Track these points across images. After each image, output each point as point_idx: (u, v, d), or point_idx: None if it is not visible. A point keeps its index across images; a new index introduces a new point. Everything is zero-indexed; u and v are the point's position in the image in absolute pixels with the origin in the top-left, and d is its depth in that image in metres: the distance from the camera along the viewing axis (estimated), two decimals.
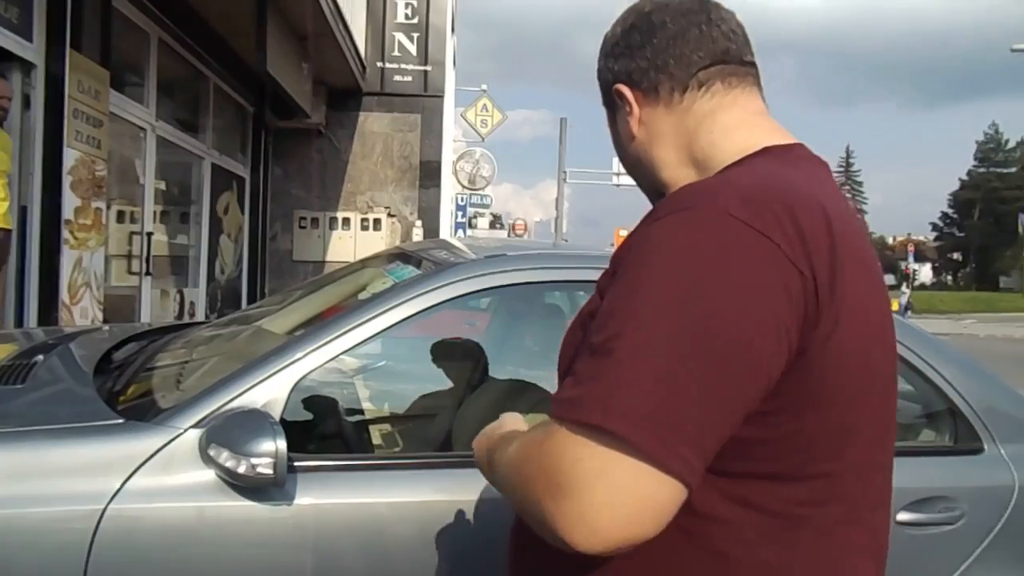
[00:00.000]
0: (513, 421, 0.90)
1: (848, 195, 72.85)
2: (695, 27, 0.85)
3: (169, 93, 5.97)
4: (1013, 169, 52.11)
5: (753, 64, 0.89)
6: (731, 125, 0.84)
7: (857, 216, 0.83)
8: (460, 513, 1.53)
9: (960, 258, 62.82)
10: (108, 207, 5.08)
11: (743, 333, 0.65)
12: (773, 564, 0.71)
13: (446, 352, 2.45)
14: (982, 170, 56.81)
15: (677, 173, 0.86)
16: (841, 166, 74.47)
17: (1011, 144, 55.07)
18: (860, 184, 73.62)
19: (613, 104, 0.91)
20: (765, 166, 0.78)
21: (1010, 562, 1.69)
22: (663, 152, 0.87)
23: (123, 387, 1.80)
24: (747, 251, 0.66)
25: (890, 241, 72.86)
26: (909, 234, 69.60)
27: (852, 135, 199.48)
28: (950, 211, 60.26)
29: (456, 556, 1.52)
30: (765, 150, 0.81)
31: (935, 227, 66.70)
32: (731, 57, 0.86)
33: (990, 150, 56.82)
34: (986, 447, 1.73)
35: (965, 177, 58.80)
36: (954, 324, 23.31)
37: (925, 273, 60.49)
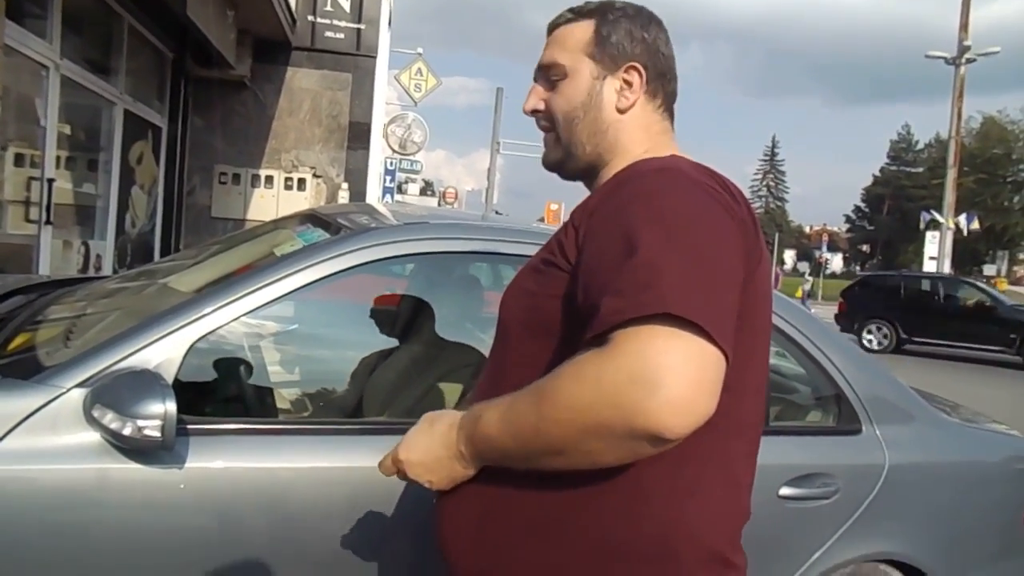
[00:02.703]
0: (448, 413, 0.96)
1: (772, 183, 75.47)
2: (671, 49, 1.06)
3: (77, 30, 5.55)
4: (921, 169, 55.12)
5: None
6: (659, 140, 1.05)
7: None
8: (361, 480, 1.52)
9: (868, 250, 66.29)
10: (4, 149, 4.73)
11: (732, 252, 0.85)
12: (673, 460, 0.83)
13: (385, 312, 2.42)
14: (893, 168, 59.90)
15: (622, 159, 1.01)
16: (767, 155, 77.00)
17: (920, 145, 58.26)
18: (783, 173, 76.39)
19: (605, 65, 1.02)
20: (688, 160, 0.99)
21: (875, 534, 1.82)
22: (629, 138, 1.03)
23: (3, 341, 1.69)
24: (718, 205, 0.87)
25: (807, 230, 76.11)
26: (824, 224, 72.93)
27: (779, 126, 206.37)
28: (862, 205, 63.36)
29: (359, 521, 1.51)
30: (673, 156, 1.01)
31: (848, 219, 70.05)
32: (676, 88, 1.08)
33: (902, 150, 59.94)
34: (864, 428, 1.85)
35: (878, 174, 61.88)
36: None
37: (836, 263, 63.49)
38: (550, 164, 1.08)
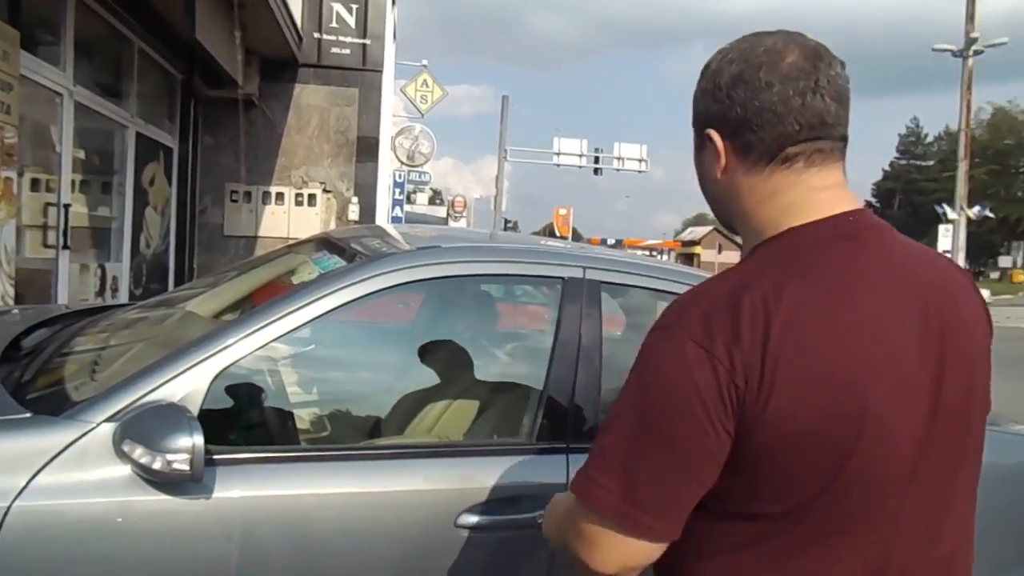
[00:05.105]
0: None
1: None
2: (799, 96, 0.87)
3: (88, 56, 5.65)
4: (931, 162, 54.74)
5: (844, 138, 0.91)
6: (787, 206, 0.89)
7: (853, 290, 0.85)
8: (380, 504, 1.54)
9: None
10: (21, 175, 4.81)
11: (676, 427, 0.82)
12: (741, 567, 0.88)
13: (432, 351, 2.44)
14: (903, 162, 59.47)
15: (747, 225, 0.93)
16: None
17: (930, 138, 57.83)
18: None
19: (700, 139, 0.94)
20: (753, 264, 0.89)
21: None
22: (739, 204, 0.93)
23: (32, 377, 1.73)
24: (683, 359, 0.82)
25: None
26: None
27: None
28: (873, 200, 62.91)
29: (377, 548, 1.54)
30: (790, 230, 0.89)
31: None
32: (825, 133, 0.89)
33: (911, 143, 59.51)
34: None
35: (887, 168, 61.50)
36: None
37: None
38: None
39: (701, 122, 0.93)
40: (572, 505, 0.91)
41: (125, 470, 1.37)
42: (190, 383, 1.47)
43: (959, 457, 0.89)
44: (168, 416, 1.35)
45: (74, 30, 5.26)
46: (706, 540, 0.88)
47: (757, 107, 0.87)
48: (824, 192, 0.89)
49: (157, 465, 1.30)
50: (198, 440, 1.31)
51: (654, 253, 31.60)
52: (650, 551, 0.86)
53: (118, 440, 1.35)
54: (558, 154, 23.43)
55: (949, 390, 0.85)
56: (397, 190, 16.55)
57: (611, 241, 32.59)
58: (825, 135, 0.88)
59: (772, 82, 0.87)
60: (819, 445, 0.80)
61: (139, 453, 1.31)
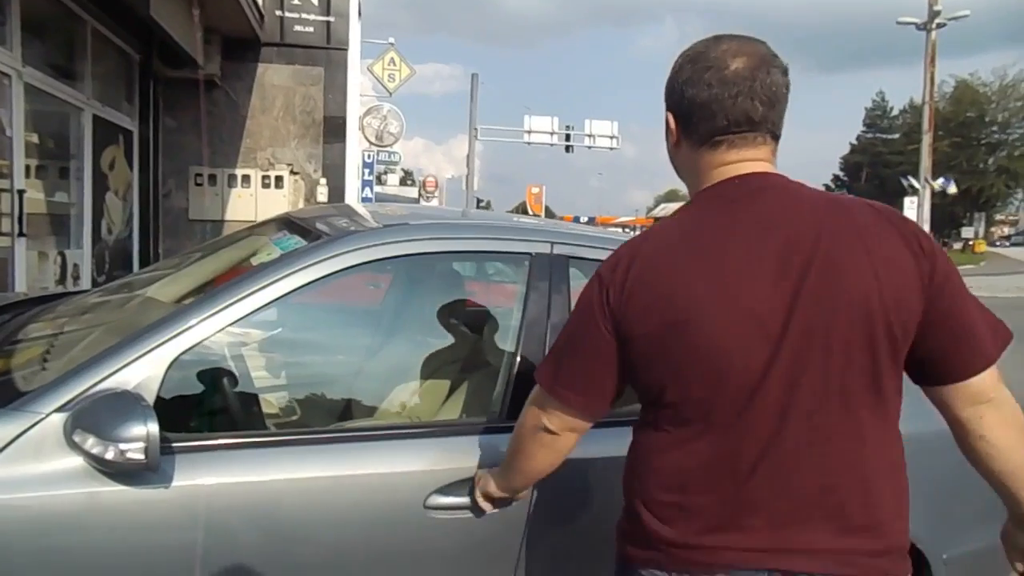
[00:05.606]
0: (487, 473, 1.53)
1: None
2: (731, 98, 1.10)
3: (38, 36, 5.43)
4: (896, 135, 55.49)
5: (772, 131, 1.14)
6: (704, 176, 1.16)
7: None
8: (348, 487, 1.51)
9: None
10: None
11: (580, 326, 1.19)
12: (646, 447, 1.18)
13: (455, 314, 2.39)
14: (869, 135, 60.14)
15: (688, 188, 1.21)
16: None
17: (895, 112, 58.52)
18: None
19: (665, 116, 1.20)
20: (663, 221, 1.20)
21: None
22: (683, 173, 1.22)
23: None
24: (591, 285, 1.18)
25: None
26: None
27: None
28: (841, 173, 63.76)
29: (345, 531, 1.51)
30: (695, 195, 1.18)
31: (827, 188, 70.50)
32: (751, 127, 1.12)
33: (877, 116, 60.17)
34: None
35: (854, 142, 62.23)
36: None
37: None
38: None
39: (665, 106, 1.19)
40: (534, 390, 1.28)
41: (78, 461, 1.32)
42: (145, 370, 1.42)
43: (834, 385, 1.05)
44: (120, 404, 1.30)
45: (21, 8, 5.04)
46: (640, 429, 1.20)
47: (698, 103, 1.12)
48: (730, 166, 1.13)
49: (110, 455, 1.26)
50: (152, 428, 1.26)
51: (627, 230, 31.71)
52: (575, 421, 1.22)
53: (69, 431, 1.30)
54: (529, 132, 23.29)
55: (802, 318, 1.04)
56: (367, 171, 16.32)
57: (584, 219, 32.59)
58: (750, 129, 1.12)
59: (712, 84, 1.11)
60: (659, 344, 1.09)
61: (91, 443, 1.26)
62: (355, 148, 11.26)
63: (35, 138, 5.65)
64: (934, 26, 20.45)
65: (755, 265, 1.05)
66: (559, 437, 1.24)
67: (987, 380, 1.10)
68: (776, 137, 1.15)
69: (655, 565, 1.11)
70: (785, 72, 1.13)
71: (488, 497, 1.50)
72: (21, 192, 5.15)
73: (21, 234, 5.19)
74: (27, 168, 5.39)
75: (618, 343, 1.13)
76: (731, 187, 1.12)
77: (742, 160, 1.13)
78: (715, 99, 1.10)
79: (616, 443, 1.62)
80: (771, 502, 1.06)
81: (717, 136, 1.12)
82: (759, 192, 1.11)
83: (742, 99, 1.09)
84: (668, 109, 1.18)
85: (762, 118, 1.11)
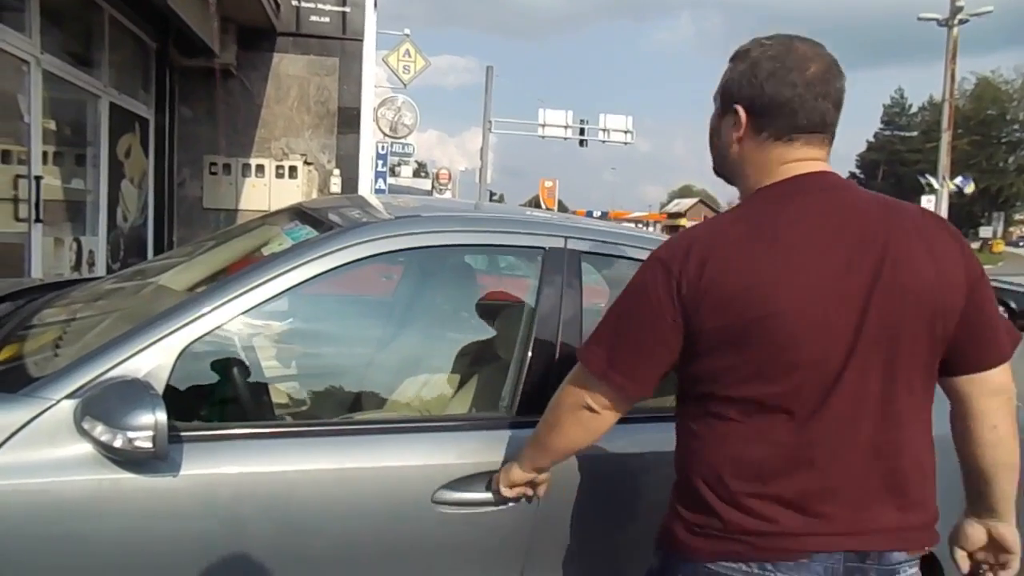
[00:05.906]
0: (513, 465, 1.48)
1: None
2: (812, 99, 1.15)
3: (57, 24, 5.46)
4: (915, 133, 54.86)
5: (833, 132, 1.20)
6: (769, 171, 1.19)
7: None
8: (357, 479, 1.51)
9: None
10: None
11: (640, 311, 1.18)
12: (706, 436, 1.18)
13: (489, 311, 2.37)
14: (887, 133, 59.48)
15: (744, 183, 1.23)
16: None
17: (914, 109, 57.82)
18: None
19: (725, 108, 1.22)
20: (728, 213, 1.22)
21: None
22: (742, 167, 1.22)
23: None
24: (650, 269, 1.19)
25: None
26: None
27: None
28: (857, 171, 63.14)
29: (353, 524, 1.50)
30: (759, 190, 1.20)
31: None
32: (822, 128, 1.18)
33: (895, 114, 59.49)
34: None
35: (872, 139, 61.59)
36: None
37: None
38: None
39: (731, 97, 1.20)
40: (576, 370, 1.27)
41: (88, 448, 1.32)
42: (155, 358, 1.42)
43: (900, 373, 1.11)
44: (129, 392, 1.30)
45: None
46: (701, 420, 1.18)
47: (780, 101, 1.15)
48: (796, 163, 1.17)
49: (118, 443, 1.26)
50: (161, 416, 1.26)
51: (640, 225, 31.58)
52: (621, 404, 1.23)
53: (79, 417, 1.30)
54: (543, 125, 23.19)
55: (877, 310, 1.09)
56: (380, 162, 16.34)
57: (597, 213, 32.46)
58: (821, 130, 1.18)
59: (797, 84, 1.15)
60: (737, 337, 1.10)
61: (100, 431, 1.26)
62: (369, 139, 11.25)
63: (52, 125, 5.69)
64: (956, 22, 20.16)
65: (831, 260, 1.10)
66: (599, 417, 1.25)
67: (1007, 373, 1.19)
68: (833, 140, 1.22)
69: (730, 557, 1.12)
70: (845, 78, 1.20)
71: (512, 484, 1.48)
72: (38, 178, 5.19)
73: (38, 220, 5.23)
74: (44, 155, 5.43)
75: (685, 334, 1.14)
76: (799, 184, 1.16)
77: (809, 159, 1.17)
78: (798, 98, 1.15)
79: (623, 441, 1.62)
80: (849, 487, 1.11)
81: (794, 134, 1.17)
82: (828, 191, 1.16)
83: (821, 101, 1.15)
84: (738, 101, 1.19)
85: (832, 121, 1.18)
